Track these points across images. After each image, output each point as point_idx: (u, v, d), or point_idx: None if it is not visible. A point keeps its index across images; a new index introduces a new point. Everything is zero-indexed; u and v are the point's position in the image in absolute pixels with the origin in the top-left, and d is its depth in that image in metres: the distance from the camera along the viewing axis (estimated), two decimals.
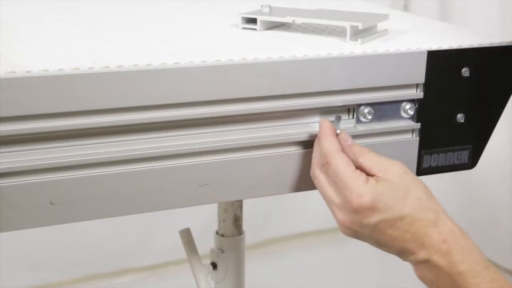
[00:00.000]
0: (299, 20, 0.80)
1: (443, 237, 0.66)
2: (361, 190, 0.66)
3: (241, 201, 1.08)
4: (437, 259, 0.65)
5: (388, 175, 0.67)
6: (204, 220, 1.54)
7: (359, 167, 0.68)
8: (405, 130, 0.78)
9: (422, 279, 0.68)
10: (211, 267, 1.05)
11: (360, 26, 0.76)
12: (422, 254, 0.66)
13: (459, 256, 0.65)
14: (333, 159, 0.68)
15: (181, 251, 1.00)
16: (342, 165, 0.68)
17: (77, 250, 1.89)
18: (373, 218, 0.66)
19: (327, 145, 0.70)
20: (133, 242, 1.95)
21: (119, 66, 0.65)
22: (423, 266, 0.67)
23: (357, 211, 0.66)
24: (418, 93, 0.77)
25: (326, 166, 0.69)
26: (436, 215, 0.67)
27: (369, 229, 0.66)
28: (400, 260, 0.69)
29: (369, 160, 0.69)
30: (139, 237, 1.96)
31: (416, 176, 0.69)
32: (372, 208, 0.66)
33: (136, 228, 1.93)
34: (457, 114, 0.79)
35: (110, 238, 1.91)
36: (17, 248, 1.82)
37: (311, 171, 0.71)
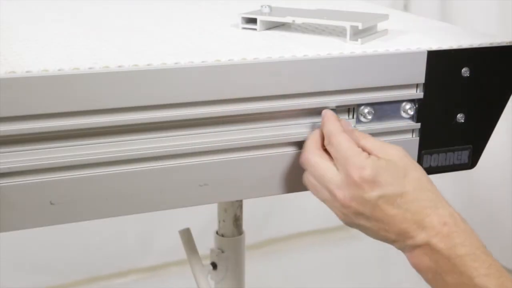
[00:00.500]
0: (299, 20, 0.80)
1: (443, 220, 0.66)
2: (363, 163, 0.66)
3: (241, 201, 1.08)
4: (437, 242, 0.65)
5: (389, 155, 0.68)
6: (204, 220, 1.54)
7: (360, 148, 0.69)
8: (405, 130, 0.78)
9: (418, 265, 0.67)
10: (211, 267, 1.05)
11: (360, 26, 0.76)
12: (421, 237, 0.66)
13: (460, 239, 0.65)
14: (335, 138, 0.69)
15: (181, 252, 1.00)
16: (344, 142, 0.68)
17: (77, 251, 1.89)
18: (374, 193, 0.66)
19: (331, 127, 0.70)
20: (133, 243, 1.95)
21: (119, 66, 0.65)
22: (421, 251, 0.66)
23: (358, 184, 0.66)
24: (418, 93, 0.77)
25: (328, 146, 0.69)
26: (436, 197, 0.67)
27: (370, 206, 0.66)
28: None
29: (371, 142, 0.70)
30: (139, 237, 1.96)
31: (415, 161, 0.70)
32: (373, 182, 0.66)
33: (136, 229, 1.93)
34: (457, 114, 0.79)
35: (110, 239, 1.90)
36: (17, 250, 1.82)
37: (304, 157, 0.71)
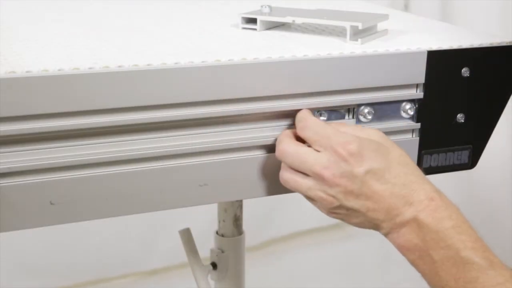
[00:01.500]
0: (299, 20, 0.80)
1: (430, 195, 0.66)
2: (347, 138, 0.67)
3: (241, 201, 1.08)
4: (425, 216, 0.65)
5: (369, 135, 0.69)
6: (204, 220, 1.54)
7: None
8: (405, 130, 0.78)
9: (405, 245, 0.67)
10: (211, 267, 1.05)
11: (360, 26, 0.76)
12: (409, 212, 0.66)
13: (447, 213, 0.66)
14: (309, 120, 0.69)
15: (182, 253, 1.00)
16: (320, 122, 0.69)
17: (77, 254, 1.89)
18: (362, 168, 0.66)
19: (301, 113, 0.71)
20: (133, 244, 1.95)
21: (119, 66, 0.65)
22: (408, 229, 0.66)
23: (346, 159, 0.66)
24: (418, 93, 0.77)
25: (302, 131, 0.69)
26: (420, 174, 0.68)
27: (358, 181, 0.66)
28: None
29: (349, 126, 0.71)
30: (139, 238, 1.95)
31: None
32: (360, 155, 0.66)
33: (137, 230, 1.93)
34: (457, 114, 0.79)
35: (110, 240, 1.90)
36: (17, 251, 1.82)
37: (280, 150, 0.70)
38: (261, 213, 2.00)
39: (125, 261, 1.95)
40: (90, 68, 0.64)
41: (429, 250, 0.65)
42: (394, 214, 0.66)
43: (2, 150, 0.64)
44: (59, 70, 0.63)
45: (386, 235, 0.68)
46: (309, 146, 0.69)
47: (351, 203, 0.67)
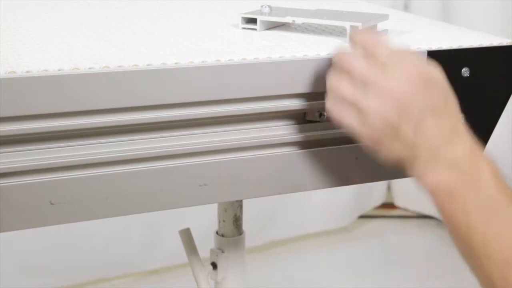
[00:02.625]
0: (299, 20, 0.80)
1: (471, 146, 0.67)
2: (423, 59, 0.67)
3: (241, 201, 1.08)
4: (463, 159, 0.66)
5: (430, 73, 0.68)
6: (204, 220, 1.54)
7: None
8: None
9: (439, 183, 0.66)
10: (211, 267, 1.05)
11: (360, 26, 0.76)
12: (450, 153, 0.66)
13: (485, 161, 0.66)
14: (378, 45, 0.67)
15: (182, 254, 1.00)
16: (392, 45, 0.68)
17: (77, 254, 1.89)
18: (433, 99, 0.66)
19: (364, 35, 0.69)
20: (134, 245, 1.95)
21: (119, 66, 0.65)
22: (444, 170, 0.65)
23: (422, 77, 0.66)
24: None
25: (373, 57, 0.66)
26: (465, 128, 0.69)
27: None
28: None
29: (412, 56, 0.69)
30: (140, 238, 1.96)
31: None
32: (426, 87, 0.66)
33: (137, 231, 1.93)
34: None
35: (110, 241, 1.90)
36: (17, 252, 1.82)
37: (334, 83, 0.67)
38: (262, 213, 2.00)
39: (125, 261, 1.95)
40: (90, 68, 0.64)
41: (465, 191, 0.65)
42: (435, 152, 0.66)
43: (2, 150, 0.64)
44: (59, 70, 0.63)
45: (419, 175, 0.67)
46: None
47: (419, 110, 0.66)
